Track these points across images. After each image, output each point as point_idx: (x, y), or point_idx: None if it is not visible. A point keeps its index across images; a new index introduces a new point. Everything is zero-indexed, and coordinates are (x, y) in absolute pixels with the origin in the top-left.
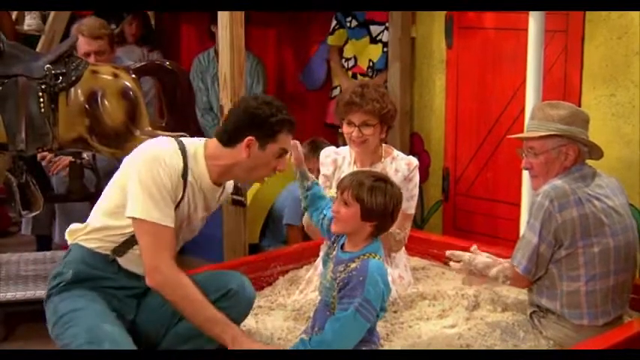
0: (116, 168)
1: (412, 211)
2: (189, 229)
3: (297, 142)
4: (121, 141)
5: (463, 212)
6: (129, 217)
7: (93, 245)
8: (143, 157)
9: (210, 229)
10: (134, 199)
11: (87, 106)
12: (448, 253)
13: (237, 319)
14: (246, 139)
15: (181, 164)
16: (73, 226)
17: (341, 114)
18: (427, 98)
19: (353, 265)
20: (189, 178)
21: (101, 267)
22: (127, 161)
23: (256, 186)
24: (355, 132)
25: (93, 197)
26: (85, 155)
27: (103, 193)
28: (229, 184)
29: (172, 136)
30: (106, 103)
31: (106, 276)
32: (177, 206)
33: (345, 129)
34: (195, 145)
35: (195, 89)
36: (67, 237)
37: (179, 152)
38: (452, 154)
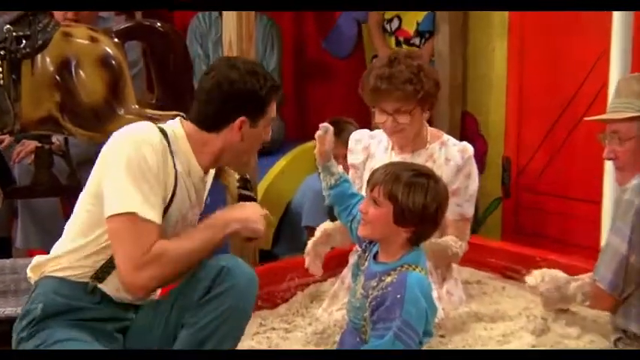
0: (95, 155)
1: (471, 212)
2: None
3: (330, 128)
4: (101, 121)
5: (528, 211)
6: (108, 217)
7: (66, 274)
8: (125, 141)
9: None
10: (114, 191)
11: (57, 77)
12: (529, 280)
13: (243, 304)
14: (237, 121)
15: (168, 151)
16: (37, 260)
17: (368, 101)
18: (484, 69)
19: (388, 280)
20: (179, 167)
21: (78, 296)
22: (103, 155)
23: (268, 179)
24: (389, 122)
25: (64, 191)
26: (55, 139)
27: (76, 206)
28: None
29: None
30: (82, 73)
31: (85, 306)
32: (169, 204)
33: (377, 117)
34: (172, 128)
35: (193, 57)
36: (29, 274)
37: (162, 137)
38: (514, 139)
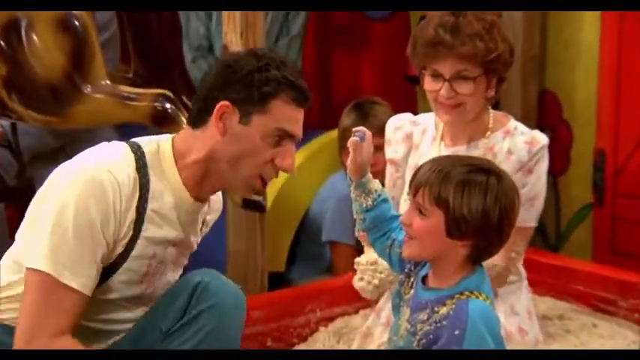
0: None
1: (531, 223)
2: (160, 281)
3: (367, 133)
4: (60, 102)
5: (628, 224)
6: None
7: (8, 316)
8: (71, 176)
9: (207, 251)
10: (37, 239)
11: (2, 42)
12: None
13: (226, 329)
14: (217, 106)
15: (134, 184)
16: None
17: (420, 59)
18: (570, 34)
19: (443, 311)
20: (151, 204)
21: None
22: (47, 182)
23: (280, 179)
24: (444, 89)
25: (10, 195)
26: None
27: (17, 233)
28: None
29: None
30: (35, 38)
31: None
32: (123, 257)
33: (428, 84)
34: (158, 144)
35: (181, 17)
36: None
37: (132, 162)
38: (610, 126)
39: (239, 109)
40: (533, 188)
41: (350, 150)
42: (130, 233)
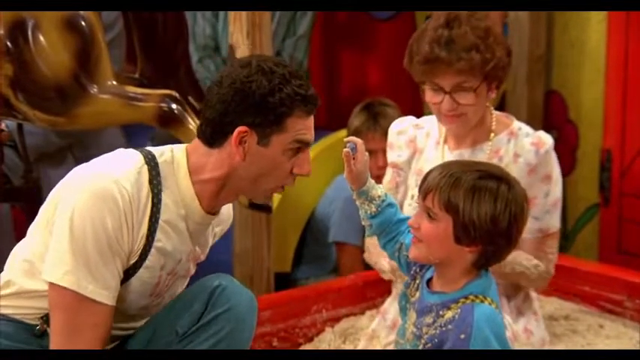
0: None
1: (556, 226)
2: (168, 293)
3: (359, 143)
4: (67, 102)
5: (634, 224)
6: (46, 281)
7: (10, 311)
8: (83, 187)
9: (213, 251)
10: (56, 255)
11: (9, 43)
12: None
13: (241, 333)
14: (235, 132)
15: (147, 196)
16: None
17: (418, 76)
18: (576, 35)
19: (448, 315)
20: (163, 216)
21: (28, 340)
22: (61, 188)
23: None
24: (446, 102)
25: (17, 195)
26: (4, 125)
27: (27, 233)
28: None
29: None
30: (42, 38)
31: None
32: (135, 267)
33: (429, 96)
34: (172, 154)
35: (188, 17)
36: None
37: (145, 173)
38: (617, 127)
39: (257, 133)
40: (555, 194)
41: (344, 161)
42: (143, 244)
